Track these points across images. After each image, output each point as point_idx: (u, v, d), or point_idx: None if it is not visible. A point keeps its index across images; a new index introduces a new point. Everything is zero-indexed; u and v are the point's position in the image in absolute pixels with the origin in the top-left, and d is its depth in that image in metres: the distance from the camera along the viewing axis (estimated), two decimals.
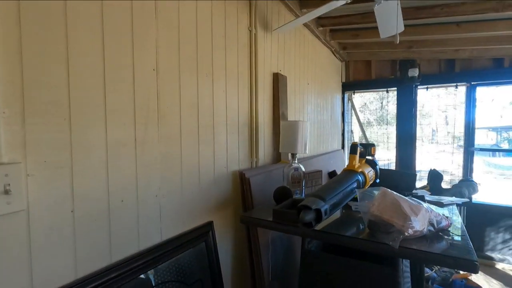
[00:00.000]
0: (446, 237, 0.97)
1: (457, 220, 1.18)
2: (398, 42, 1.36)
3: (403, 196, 1.01)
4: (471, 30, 2.21)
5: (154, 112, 1.06)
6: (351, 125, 4.04)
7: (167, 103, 1.11)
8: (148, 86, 1.03)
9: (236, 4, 1.52)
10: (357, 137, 4.18)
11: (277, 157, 1.89)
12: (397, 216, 0.93)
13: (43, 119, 0.74)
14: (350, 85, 3.67)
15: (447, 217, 1.07)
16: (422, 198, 1.27)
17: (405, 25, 2.22)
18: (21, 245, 0.70)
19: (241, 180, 1.47)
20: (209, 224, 1.32)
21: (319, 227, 1.12)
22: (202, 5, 1.28)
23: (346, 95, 3.78)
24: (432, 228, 0.95)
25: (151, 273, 1.03)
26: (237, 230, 1.54)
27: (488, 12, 1.81)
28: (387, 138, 4.37)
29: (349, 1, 1.43)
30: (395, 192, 1.03)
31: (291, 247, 1.73)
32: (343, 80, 3.68)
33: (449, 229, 1.02)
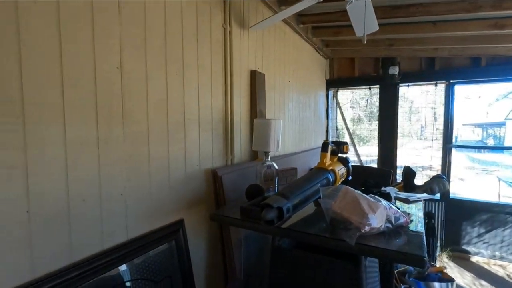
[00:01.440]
0: (403, 233, 1.00)
1: (420, 216, 1.22)
2: (365, 42, 1.38)
3: (364, 194, 1.04)
4: (446, 29, 2.25)
5: (118, 110, 1.05)
6: (336, 122, 4.08)
7: (133, 102, 1.10)
8: (111, 84, 1.02)
9: (208, 1, 1.50)
10: (346, 134, 4.23)
11: (254, 155, 1.90)
12: (356, 214, 0.96)
13: None
14: (334, 82, 3.70)
15: (408, 214, 1.11)
16: (388, 195, 1.30)
17: (384, 23, 2.25)
18: None
19: (214, 178, 1.48)
20: (180, 222, 1.32)
21: (287, 224, 1.14)
22: (171, 2, 1.27)
23: (331, 92, 3.81)
24: (390, 225, 0.98)
25: (115, 272, 1.03)
26: (211, 228, 1.55)
27: (460, 12, 1.84)
28: (376, 134, 4.44)
29: (321, 0, 1.43)
30: (356, 190, 1.05)
31: (266, 244, 1.75)
32: (328, 77, 3.70)
33: (408, 225, 1.05)
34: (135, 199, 1.13)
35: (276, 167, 1.51)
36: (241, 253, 1.49)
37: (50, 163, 0.85)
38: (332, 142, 1.51)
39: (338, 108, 4.00)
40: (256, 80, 1.89)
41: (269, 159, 1.52)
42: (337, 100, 3.94)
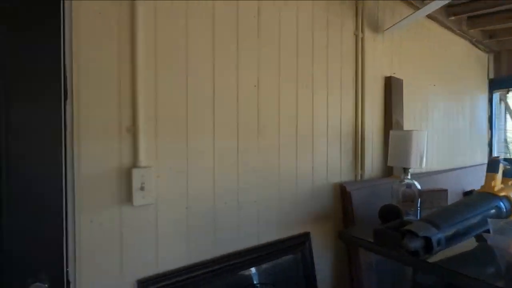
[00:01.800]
0: None
1: None
2: None
3: None
4: None
5: (254, 124, 1.16)
6: (504, 132, 3.13)
7: (266, 116, 1.19)
8: (249, 101, 1.14)
9: (340, 10, 1.47)
10: None
11: (388, 171, 1.69)
12: None
13: (168, 133, 0.94)
14: (501, 82, 2.87)
15: None
16: None
17: None
18: (151, 230, 0.91)
19: (342, 193, 1.40)
20: (306, 235, 1.31)
21: (436, 257, 0.93)
22: (303, 17, 1.32)
23: (496, 95, 2.96)
24: None
25: (248, 272, 1.11)
26: (337, 245, 1.46)
27: None
28: None
29: None
30: None
31: (404, 274, 1.49)
32: (491, 76, 2.91)
33: None
34: (265, 207, 1.20)
35: (419, 186, 1.28)
36: (371, 278, 1.33)
37: (203, 169, 1.03)
38: (505, 159, 1.14)
39: (508, 115, 3.06)
40: (391, 87, 1.69)
41: (408, 177, 1.30)
42: (506, 104, 3.02)
